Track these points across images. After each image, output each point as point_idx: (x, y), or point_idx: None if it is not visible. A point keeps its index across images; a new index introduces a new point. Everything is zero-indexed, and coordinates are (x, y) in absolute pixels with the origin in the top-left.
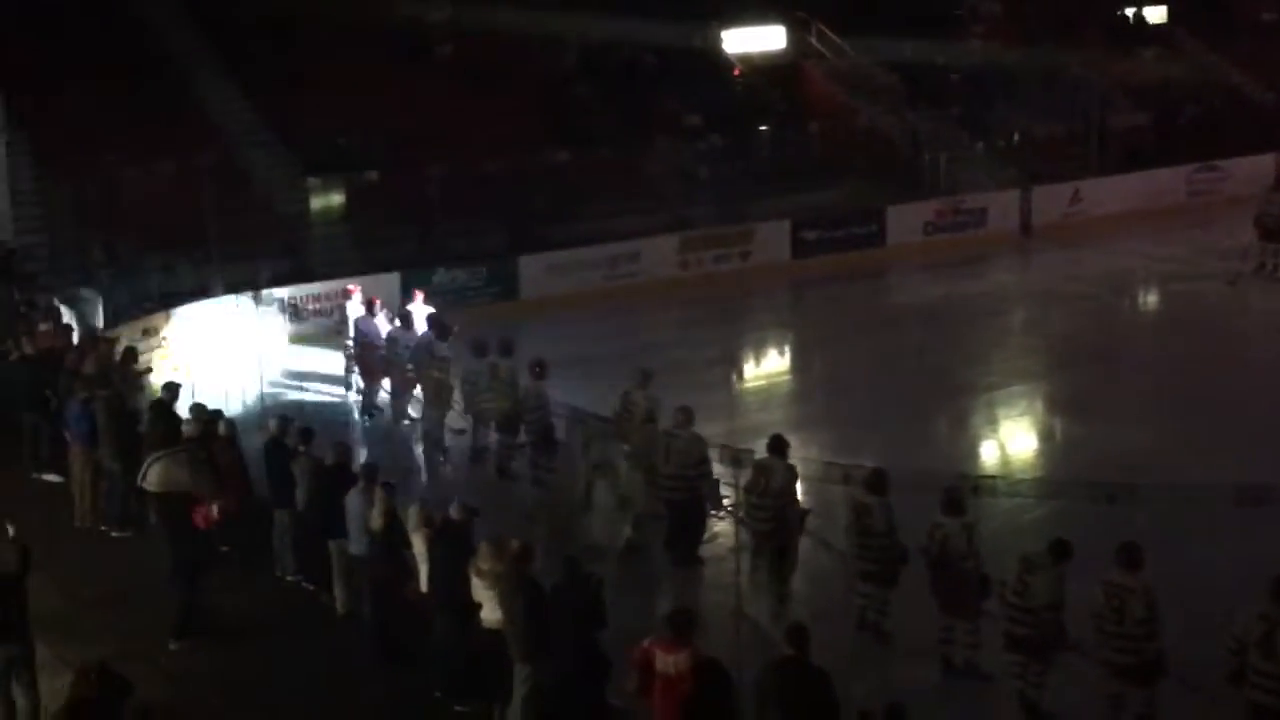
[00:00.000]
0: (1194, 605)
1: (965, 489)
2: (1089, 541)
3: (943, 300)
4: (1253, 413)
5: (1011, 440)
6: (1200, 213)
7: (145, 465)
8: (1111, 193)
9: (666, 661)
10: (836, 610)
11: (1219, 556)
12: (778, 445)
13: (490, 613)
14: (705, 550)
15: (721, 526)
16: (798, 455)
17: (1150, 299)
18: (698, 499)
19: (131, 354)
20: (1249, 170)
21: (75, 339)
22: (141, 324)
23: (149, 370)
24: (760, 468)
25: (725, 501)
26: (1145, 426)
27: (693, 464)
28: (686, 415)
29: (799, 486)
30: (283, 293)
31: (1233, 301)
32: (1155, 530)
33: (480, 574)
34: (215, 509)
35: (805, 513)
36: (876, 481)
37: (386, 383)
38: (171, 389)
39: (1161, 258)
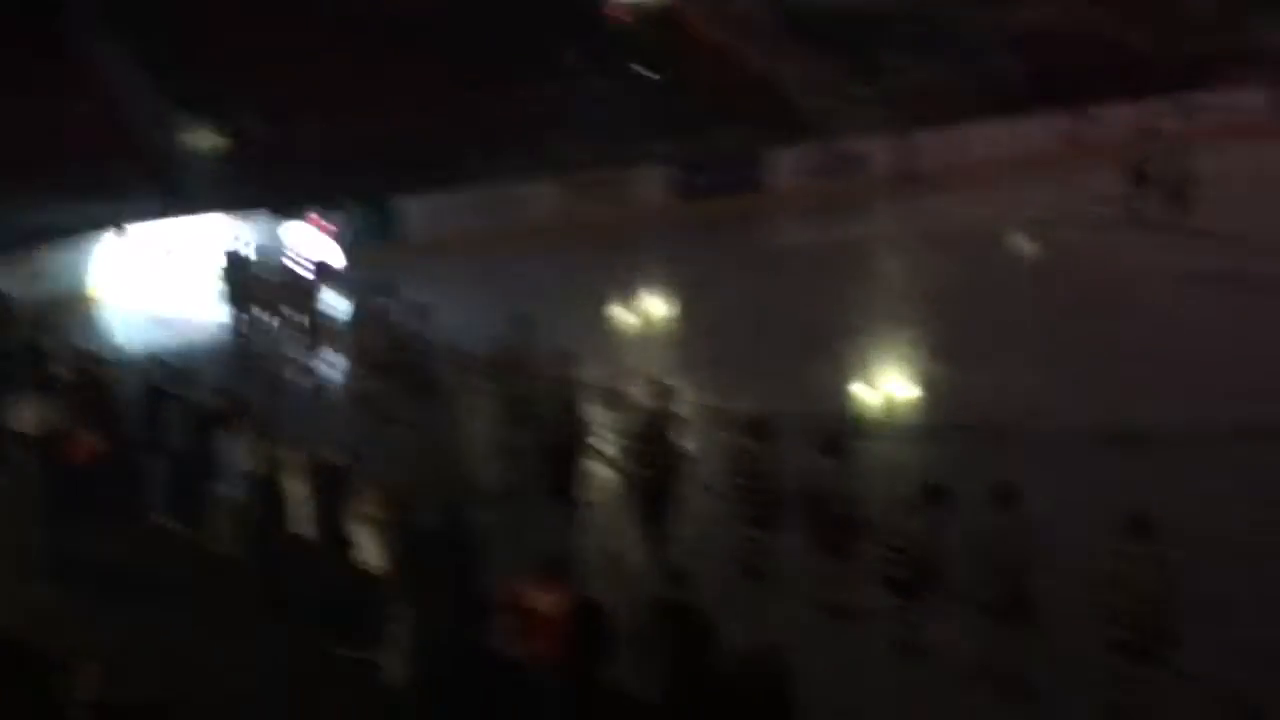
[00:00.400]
0: (1063, 545)
1: (844, 432)
2: (964, 484)
3: (823, 244)
4: (1124, 357)
5: (890, 384)
6: (1075, 159)
7: (15, 406)
8: (990, 139)
9: (544, 603)
10: (717, 553)
11: (1086, 497)
12: (659, 389)
13: (371, 557)
14: (585, 493)
15: (602, 469)
16: (679, 398)
17: (1026, 245)
18: (575, 441)
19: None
20: (1123, 117)
21: None
22: (15, 262)
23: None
24: (640, 411)
25: (605, 445)
26: (1020, 371)
27: (569, 407)
28: (567, 359)
29: (680, 430)
30: (156, 231)
31: (1105, 247)
32: (1028, 472)
33: (361, 518)
34: (88, 447)
35: (685, 456)
36: (757, 426)
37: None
38: (41, 327)
39: (1038, 204)
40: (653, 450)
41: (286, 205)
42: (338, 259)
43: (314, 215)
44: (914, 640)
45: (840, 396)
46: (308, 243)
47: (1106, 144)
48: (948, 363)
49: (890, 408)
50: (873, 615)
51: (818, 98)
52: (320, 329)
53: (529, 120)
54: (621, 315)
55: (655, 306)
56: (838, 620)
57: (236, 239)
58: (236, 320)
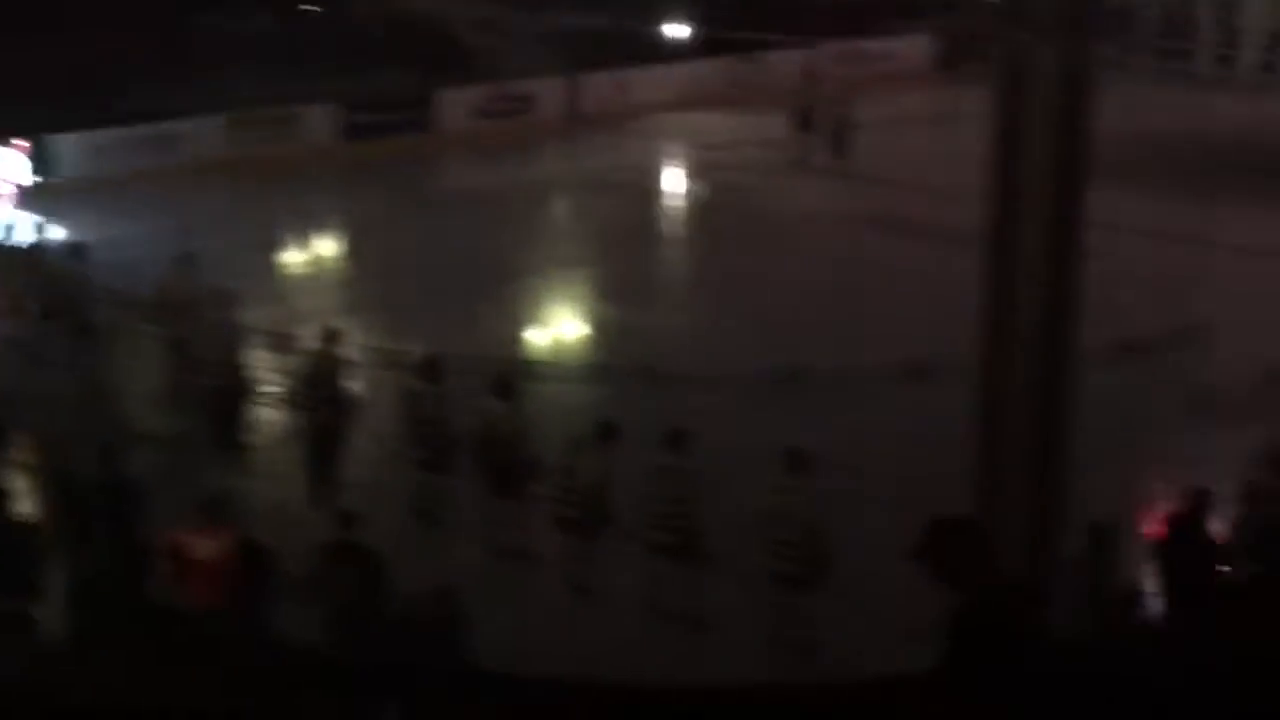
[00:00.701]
0: (731, 484)
1: (515, 374)
2: (636, 424)
3: (492, 186)
4: (787, 298)
5: (561, 325)
6: (740, 103)
7: None
8: (657, 81)
9: (205, 547)
10: (387, 496)
11: (756, 436)
12: (327, 332)
13: (24, 505)
14: (251, 437)
15: (268, 412)
16: (348, 341)
17: (695, 186)
18: (240, 384)
19: None
20: (786, 62)
21: None
22: None
23: None
24: (308, 354)
25: (272, 388)
26: (688, 311)
27: (234, 349)
28: (229, 299)
29: (348, 373)
30: None
31: (772, 190)
32: (696, 411)
33: (13, 465)
34: None
35: (354, 398)
36: (428, 369)
37: None
38: None
39: (705, 146)
40: (320, 393)
41: None
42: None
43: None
44: (585, 581)
45: (511, 338)
46: None
47: (771, 88)
48: (618, 304)
49: (561, 349)
50: (544, 556)
51: (485, 38)
52: None
53: (195, 56)
54: (289, 256)
55: (324, 247)
56: (510, 561)
57: None
58: None
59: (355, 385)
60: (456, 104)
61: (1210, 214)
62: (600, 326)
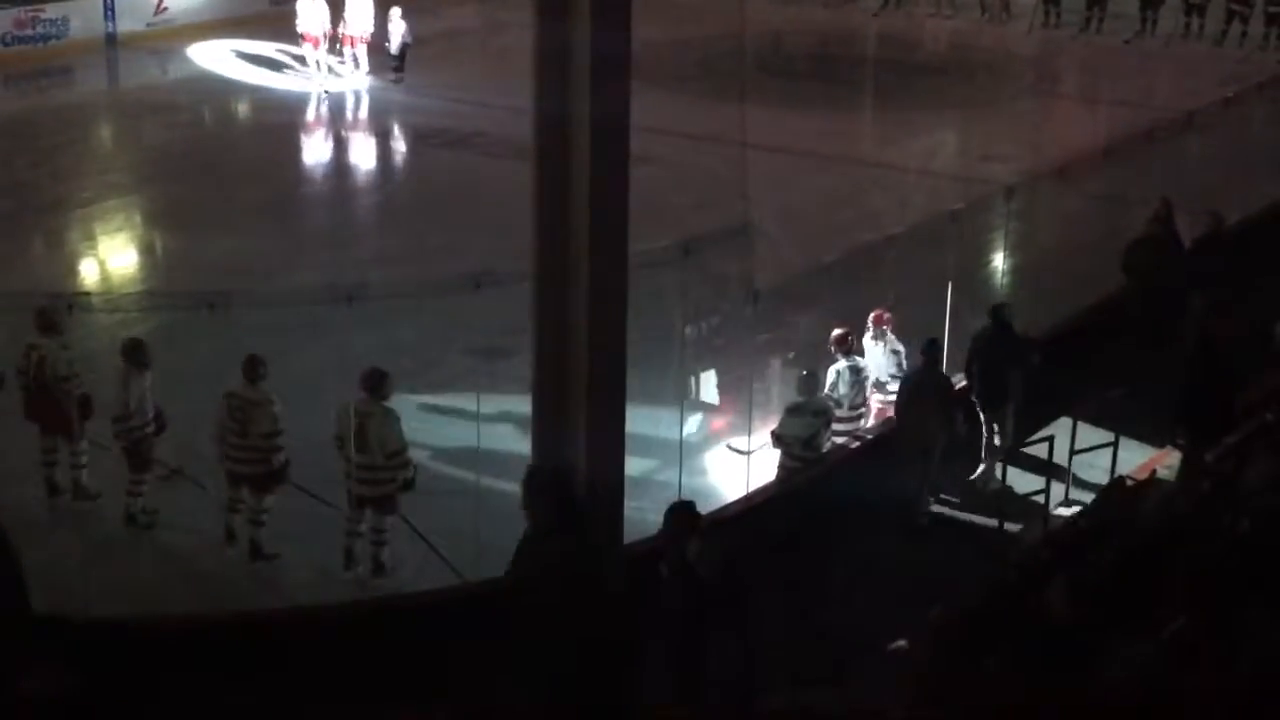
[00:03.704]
0: (305, 408)
1: (60, 308)
2: (198, 353)
3: (27, 113)
4: (338, 216)
5: (109, 256)
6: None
7: None
8: (195, 2)
9: None
10: None
11: (323, 357)
12: None
13: None
14: None
15: None
16: None
17: (241, 108)
18: None
19: None
20: None
21: None
22: None
23: None
24: None
25: None
26: (243, 235)
27: None
28: None
29: None
30: None
31: (310, 107)
32: (262, 337)
33: None
34: None
35: None
36: None
37: None
38: None
39: (241, 63)
40: None
41: None
42: None
43: None
44: (139, 512)
45: (60, 272)
46: None
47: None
48: (173, 229)
49: (116, 278)
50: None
51: None
52: None
53: None
54: None
55: None
56: (64, 499)
57: None
58: None
59: None
60: None
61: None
62: (153, 254)
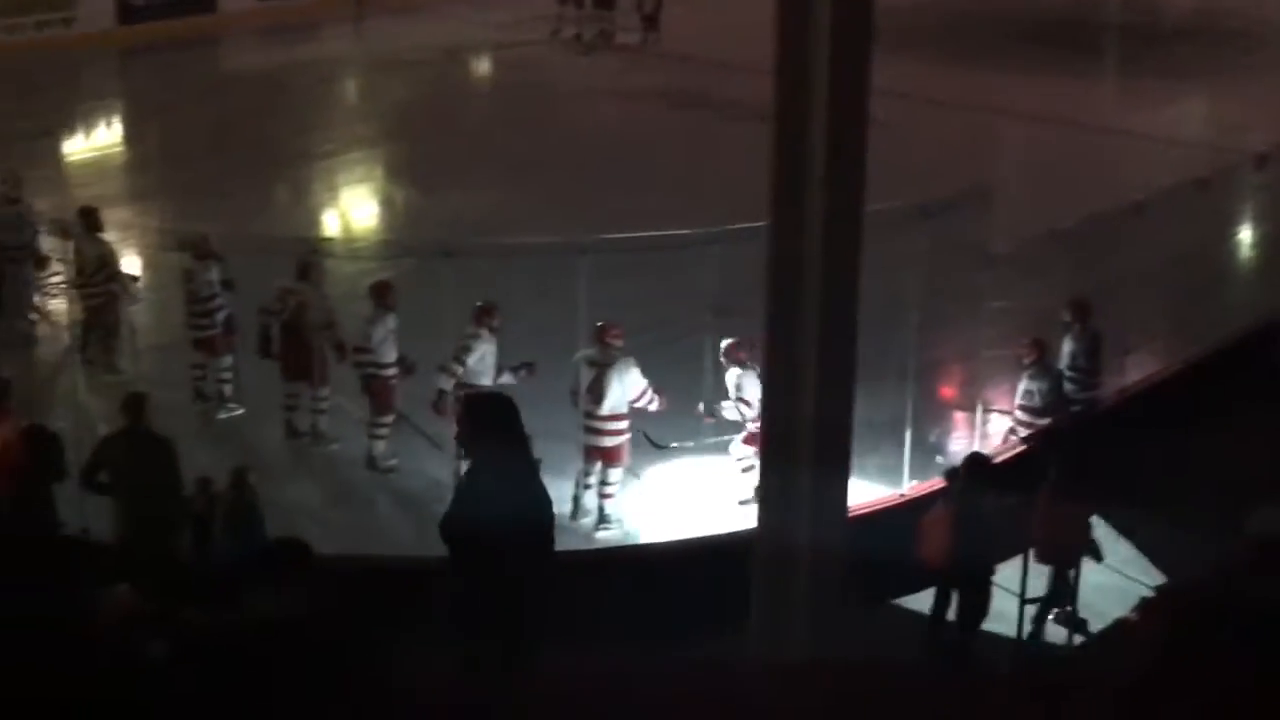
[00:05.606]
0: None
1: (310, 254)
2: (437, 300)
3: (278, 68)
4: (576, 174)
5: (352, 206)
6: None
7: None
8: None
9: None
10: (176, 380)
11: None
12: (88, 217)
13: None
14: (34, 322)
15: (54, 304)
16: (139, 226)
17: (481, 65)
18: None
19: None
20: None
21: None
22: None
23: None
24: (90, 239)
25: (55, 273)
26: (481, 190)
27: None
28: (14, 180)
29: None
30: None
31: (554, 67)
32: (500, 287)
33: None
34: None
35: (133, 280)
36: (199, 245)
37: None
38: None
39: (488, 24)
40: (101, 277)
41: None
42: None
43: None
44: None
45: (305, 221)
46: None
47: None
48: (413, 182)
49: (358, 228)
50: (339, 437)
51: None
52: None
53: None
54: (72, 144)
55: (106, 133)
56: (304, 443)
57: None
58: None
59: (141, 269)
60: None
61: (995, 82)
62: (394, 206)
